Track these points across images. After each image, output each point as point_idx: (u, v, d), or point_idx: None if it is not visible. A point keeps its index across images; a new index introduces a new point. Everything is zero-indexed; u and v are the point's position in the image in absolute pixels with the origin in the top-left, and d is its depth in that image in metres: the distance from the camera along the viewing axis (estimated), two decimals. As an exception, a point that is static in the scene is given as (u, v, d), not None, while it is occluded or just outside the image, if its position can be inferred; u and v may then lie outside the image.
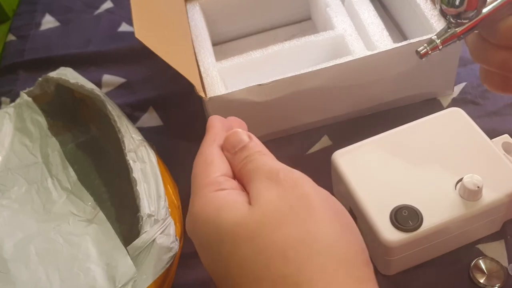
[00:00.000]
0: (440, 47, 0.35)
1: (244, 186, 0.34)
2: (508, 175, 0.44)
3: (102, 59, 0.70)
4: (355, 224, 0.33)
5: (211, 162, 0.35)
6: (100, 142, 0.58)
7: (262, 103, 0.53)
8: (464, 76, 0.60)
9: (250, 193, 0.32)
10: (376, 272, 0.47)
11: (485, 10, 0.33)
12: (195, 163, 0.36)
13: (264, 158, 0.34)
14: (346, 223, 0.32)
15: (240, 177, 0.35)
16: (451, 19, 0.34)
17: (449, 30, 0.35)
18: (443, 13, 0.34)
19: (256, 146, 0.35)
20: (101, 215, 0.51)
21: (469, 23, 0.34)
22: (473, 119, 0.48)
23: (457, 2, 0.32)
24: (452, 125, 0.48)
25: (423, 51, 0.36)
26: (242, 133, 0.36)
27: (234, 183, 0.34)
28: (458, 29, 0.34)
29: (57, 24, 0.77)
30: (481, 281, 0.45)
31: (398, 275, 0.46)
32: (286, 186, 0.31)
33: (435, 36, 0.35)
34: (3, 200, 0.53)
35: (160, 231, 0.44)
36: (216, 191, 0.33)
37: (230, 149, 0.35)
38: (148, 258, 0.43)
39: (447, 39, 0.35)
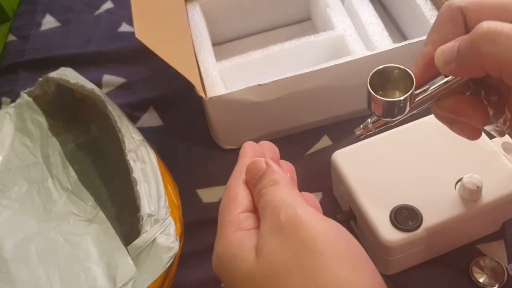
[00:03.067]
0: (373, 130, 0.37)
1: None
2: (507, 175, 0.44)
3: (103, 59, 0.70)
4: (367, 256, 0.31)
5: (235, 198, 0.34)
6: (101, 142, 0.58)
7: (262, 103, 0.53)
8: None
9: (257, 239, 0.31)
10: (376, 272, 0.47)
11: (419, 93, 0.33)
12: (222, 196, 0.35)
13: (273, 191, 0.33)
14: (358, 258, 0.30)
15: (259, 211, 0.34)
16: None
17: (380, 120, 0.36)
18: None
19: (271, 173, 0.34)
20: (101, 215, 0.51)
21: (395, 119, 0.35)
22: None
23: (377, 113, 0.34)
24: (451, 125, 0.48)
25: (358, 132, 0.38)
26: (260, 162, 0.35)
27: (253, 220, 0.33)
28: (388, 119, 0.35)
29: (57, 24, 0.77)
30: (481, 280, 0.45)
31: (398, 274, 0.47)
32: (288, 230, 0.30)
33: (369, 120, 0.37)
34: (4, 200, 0.53)
35: (161, 230, 0.44)
36: (236, 232, 0.32)
37: (250, 181, 0.35)
38: (148, 258, 0.43)
39: (378, 124, 0.37)
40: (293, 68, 0.53)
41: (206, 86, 0.54)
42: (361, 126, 0.37)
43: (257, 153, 0.37)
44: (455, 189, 0.44)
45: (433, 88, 0.33)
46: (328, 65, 0.52)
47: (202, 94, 0.51)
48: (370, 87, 0.33)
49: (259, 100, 0.53)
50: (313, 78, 0.52)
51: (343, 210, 0.50)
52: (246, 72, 0.56)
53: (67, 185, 0.54)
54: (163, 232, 0.44)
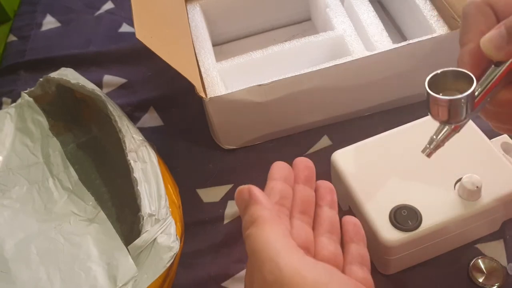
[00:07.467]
0: (442, 144, 0.35)
1: None
2: (507, 175, 0.44)
3: (103, 59, 0.70)
4: None
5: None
6: (101, 142, 0.58)
7: (262, 103, 0.53)
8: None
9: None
10: (376, 271, 0.47)
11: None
12: None
13: (254, 235, 0.31)
14: None
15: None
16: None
17: (446, 128, 0.35)
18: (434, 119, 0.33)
19: (252, 206, 0.32)
20: (102, 214, 0.51)
21: (462, 123, 0.33)
22: (472, 119, 0.48)
23: (441, 117, 0.32)
24: (451, 125, 0.48)
25: (426, 152, 0.36)
26: (243, 192, 0.33)
27: None
28: (453, 126, 0.34)
29: (58, 24, 0.77)
30: (480, 280, 0.45)
31: (398, 274, 0.47)
32: None
33: (434, 136, 0.35)
34: (4, 200, 0.53)
35: (161, 230, 0.44)
36: None
37: (240, 211, 0.33)
38: (149, 258, 0.43)
39: (446, 136, 0.34)
40: (293, 68, 0.53)
41: (206, 86, 0.54)
42: (427, 144, 0.35)
43: (286, 174, 0.35)
44: (455, 189, 0.44)
45: (489, 81, 0.32)
46: (328, 65, 0.52)
47: (202, 94, 0.51)
48: (430, 90, 0.31)
49: (259, 100, 0.53)
50: (313, 78, 0.52)
51: (343, 210, 0.50)
52: (246, 72, 0.57)
53: (68, 185, 0.54)
54: (163, 232, 0.44)
